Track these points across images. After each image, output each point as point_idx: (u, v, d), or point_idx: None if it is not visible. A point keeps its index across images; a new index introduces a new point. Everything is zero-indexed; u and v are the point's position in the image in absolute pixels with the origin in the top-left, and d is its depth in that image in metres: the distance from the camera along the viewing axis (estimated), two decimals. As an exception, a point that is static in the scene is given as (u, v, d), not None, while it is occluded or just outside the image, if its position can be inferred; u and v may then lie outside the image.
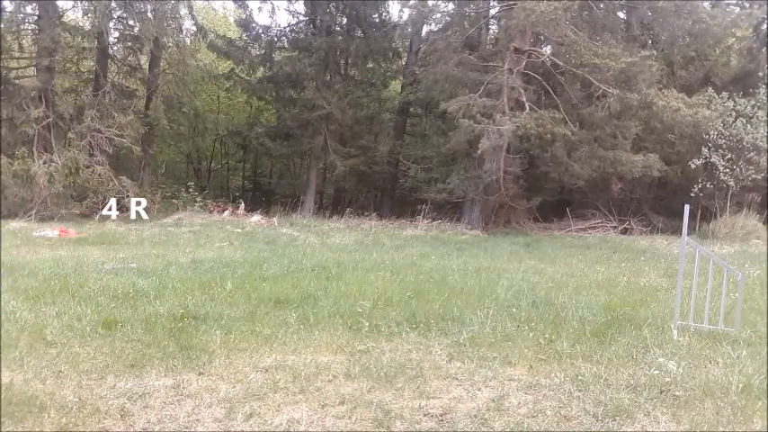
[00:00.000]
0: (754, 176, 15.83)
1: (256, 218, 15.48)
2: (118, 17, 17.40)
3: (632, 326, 4.76)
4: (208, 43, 19.60)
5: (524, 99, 15.42)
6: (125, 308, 4.99)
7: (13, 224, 12.80)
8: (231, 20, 26.10)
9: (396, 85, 23.56)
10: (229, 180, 26.65)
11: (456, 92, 16.22)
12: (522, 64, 16.01)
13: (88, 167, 15.24)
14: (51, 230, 12.04)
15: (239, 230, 13.37)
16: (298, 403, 3.05)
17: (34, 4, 15.88)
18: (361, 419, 2.87)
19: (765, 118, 15.92)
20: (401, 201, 21.75)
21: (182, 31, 18.73)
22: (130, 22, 17.36)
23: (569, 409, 3.04)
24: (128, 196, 15.54)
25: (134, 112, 16.79)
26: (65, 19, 16.99)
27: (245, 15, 21.04)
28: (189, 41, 19.28)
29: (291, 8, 22.04)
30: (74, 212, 14.83)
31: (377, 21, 20.94)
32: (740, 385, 3.34)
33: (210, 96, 24.53)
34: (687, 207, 4.78)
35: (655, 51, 17.14)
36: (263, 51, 20.27)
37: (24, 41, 16.61)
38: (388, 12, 21.33)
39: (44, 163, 14.66)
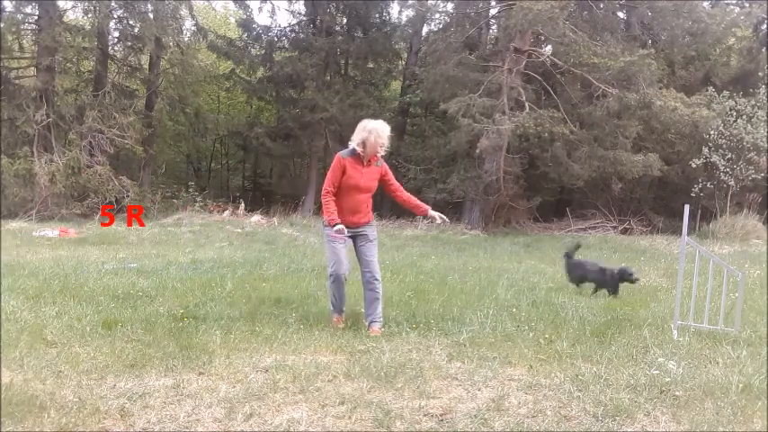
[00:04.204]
0: (754, 176, 15.82)
1: (256, 218, 15.48)
2: (118, 17, 17.40)
3: (632, 326, 4.76)
4: (208, 43, 19.60)
5: (524, 99, 15.43)
6: (125, 308, 4.99)
7: (13, 224, 12.81)
8: (231, 20, 26.11)
9: (396, 86, 23.57)
10: (229, 180, 26.64)
11: (456, 92, 16.22)
12: (521, 64, 16.03)
13: (90, 167, 15.25)
14: (51, 230, 12.06)
15: (239, 230, 13.37)
16: (298, 403, 3.05)
17: (34, 4, 15.88)
18: (361, 419, 2.87)
19: (765, 118, 15.91)
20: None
21: (182, 31, 18.73)
22: (131, 22, 17.37)
23: (569, 409, 3.04)
24: (128, 196, 15.56)
25: (135, 112, 16.80)
26: (65, 19, 16.99)
27: (245, 16, 21.04)
28: (189, 42, 19.27)
29: (292, 8, 22.01)
30: (74, 213, 14.84)
31: (377, 21, 20.94)
32: (740, 385, 3.33)
33: (211, 96, 24.54)
34: (687, 207, 4.78)
35: (653, 50, 17.13)
36: (263, 52, 20.27)
37: (24, 41, 16.61)
38: (388, 12, 21.35)
39: (45, 163, 14.67)
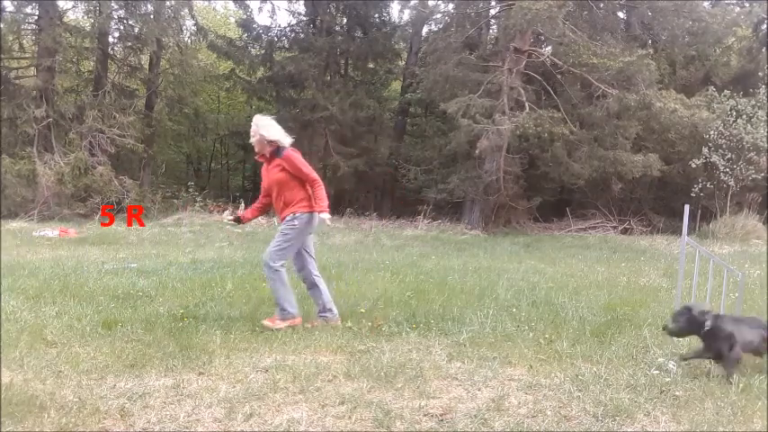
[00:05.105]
0: (754, 176, 15.81)
1: (256, 218, 15.45)
2: (119, 17, 17.41)
3: (632, 326, 4.76)
4: (208, 43, 19.61)
5: (524, 99, 15.43)
6: (125, 308, 4.99)
7: (14, 224, 12.81)
8: (231, 20, 26.12)
9: (396, 86, 23.58)
10: (229, 180, 26.66)
11: (456, 92, 16.23)
12: (521, 64, 16.03)
13: (94, 168, 15.30)
14: (51, 230, 12.06)
15: (239, 230, 13.37)
16: (298, 403, 3.05)
17: (34, 5, 15.89)
18: (361, 419, 2.87)
19: (765, 118, 15.91)
20: (401, 201, 21.77)
21: (182, 31, 18.75)
22: (131, 22, 17.38)
23: (569, 409, 3.04)
24: (128, 197, 15.57)
25: (135, 112, 16.81)
26: (65, 19, 17.00)
27: (245, 16, 21.05)
28: (189, 42, 19.28)
29: (292, 8, 22.03)
30: (78, 213, 14.86)
31: (377, 21, 20.95)
32: (740, 385, 3.34)
33: (211, 96, 24.55)
34: (687, 207, 4.78)
35: (652, 51, 17.13)
36: (263, 52, 20.28)
37: (25, 41, 16.62)
38: (388, 12, 21.38)
39: (44, 164, 14.68)
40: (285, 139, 4.51)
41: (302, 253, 4.64)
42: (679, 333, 3.75)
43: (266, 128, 4.48)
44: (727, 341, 3.53)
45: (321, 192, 4.46)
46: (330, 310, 4.67)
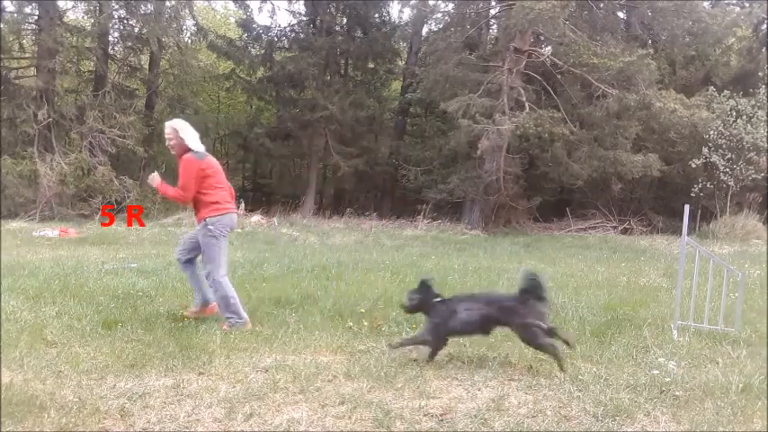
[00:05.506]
0: (754, 176, 15.82)
1: (256, 218, 15.48)
2: (119, 17, 17.40)
3: (632, 326, 4.76)
4: (208, 43, 19.62)
5: (524, 99, 15.44)
6: (125, 308, 5.00)
7: (14, 224, 12.81)
8: (231, 20, 26.12)
9: (396, 86, 23.58)
10: (229, 180, 26.65)
11: (456, 92, 16.24)
12: (521, 64, 16.04)
13: (95, 168, 15.31)
14: (51, 230, 12.07)
15: (239, 230, 13.36)
16: (298, 403, 3.05)
17: (34, 4, 15.87)
18: (361, 419, 2.87)
19: (765, 118, 15.91)
20: (401, 201, 21.78)
21: (182, 31, 18.75)
22: (131, 22, 17.38)
23: (569, 409, 3.04)
24: (128, 197, 15.57)
25: (135, 112, 16.81)
26: (65, 19, 16.99)
27: (245, 16, 21.06)
28: (189, 42, 19.29)
29: (292, 8, 22.03)
30: (82, 213, 14.85)
31: (377, 21, 20.97)
32: (740, 385, 3.34)
33: (211, 96, 24.53)
34: (687, 207, 4.78)
35: (652, 51, 17.14)
36: (263, 52, 20.29)
37: (25, 41, 16.62)
38: (388, 12, 21.40)
39: (45, 164, 14.67)
40: (198, 145, 4.61)
41: (196, 245, 4.64)
42: (410, 310, 3.95)
43: (183, 131, 4.58)
44: (433, 324, 3.72)
45: (171, 196, 4.66)
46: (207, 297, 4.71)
